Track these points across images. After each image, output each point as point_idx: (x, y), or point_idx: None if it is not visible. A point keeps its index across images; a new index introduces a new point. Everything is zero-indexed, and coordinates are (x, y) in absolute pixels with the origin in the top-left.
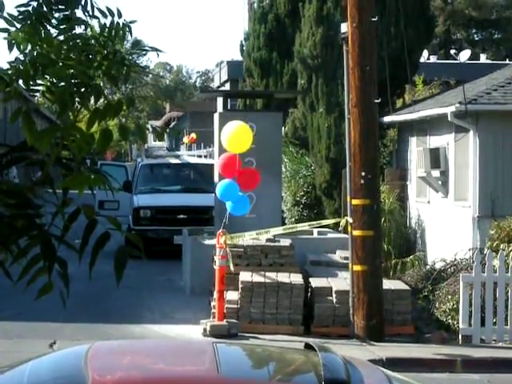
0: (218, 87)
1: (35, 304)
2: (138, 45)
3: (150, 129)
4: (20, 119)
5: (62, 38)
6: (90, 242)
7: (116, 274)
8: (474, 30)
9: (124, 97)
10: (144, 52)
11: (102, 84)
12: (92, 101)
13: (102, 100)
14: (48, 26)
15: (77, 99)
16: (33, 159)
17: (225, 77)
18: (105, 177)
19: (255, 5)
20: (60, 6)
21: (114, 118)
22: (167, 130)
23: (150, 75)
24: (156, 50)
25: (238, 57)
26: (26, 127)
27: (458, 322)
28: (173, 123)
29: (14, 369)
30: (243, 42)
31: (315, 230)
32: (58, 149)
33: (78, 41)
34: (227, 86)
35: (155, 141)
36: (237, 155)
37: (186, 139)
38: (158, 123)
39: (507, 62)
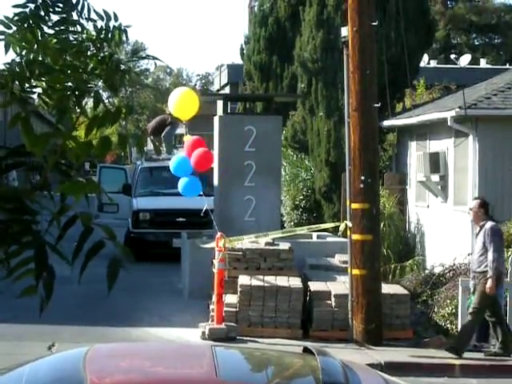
0: (218, 90)
1: (34, 306)
2: (137, 52)
3: (149, 140)
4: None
5: (57, 38)
6: (87, 245)
7: (108, 283)
8: (474, 35)
9: (123, 102)
10: (143, 59)
11: (100, 91)
12: (91, 104)
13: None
14: (45, 28)
15: (73, 100)
16: (32, 164)
17: (225, 80)
18: (98, 185)
19: (256, 8)
20: (57, 9)
21: (113, 125)
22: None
23: (150, 79)
24: (154, 58)
25: (238, 60)
26: (24, 132)
27: (456, 327)
28: (167, 128)
29: (13, 371)
30: (243, 46)
31: (314, 234)
32: (56, 155)
33: (74, 42)
34: (227, 90)
35: None
36: (203, 141)
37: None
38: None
39: (507, 66)
